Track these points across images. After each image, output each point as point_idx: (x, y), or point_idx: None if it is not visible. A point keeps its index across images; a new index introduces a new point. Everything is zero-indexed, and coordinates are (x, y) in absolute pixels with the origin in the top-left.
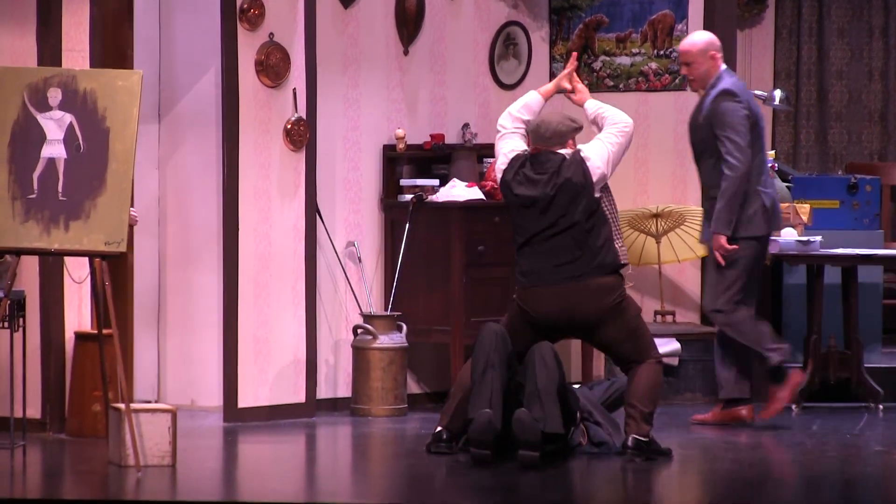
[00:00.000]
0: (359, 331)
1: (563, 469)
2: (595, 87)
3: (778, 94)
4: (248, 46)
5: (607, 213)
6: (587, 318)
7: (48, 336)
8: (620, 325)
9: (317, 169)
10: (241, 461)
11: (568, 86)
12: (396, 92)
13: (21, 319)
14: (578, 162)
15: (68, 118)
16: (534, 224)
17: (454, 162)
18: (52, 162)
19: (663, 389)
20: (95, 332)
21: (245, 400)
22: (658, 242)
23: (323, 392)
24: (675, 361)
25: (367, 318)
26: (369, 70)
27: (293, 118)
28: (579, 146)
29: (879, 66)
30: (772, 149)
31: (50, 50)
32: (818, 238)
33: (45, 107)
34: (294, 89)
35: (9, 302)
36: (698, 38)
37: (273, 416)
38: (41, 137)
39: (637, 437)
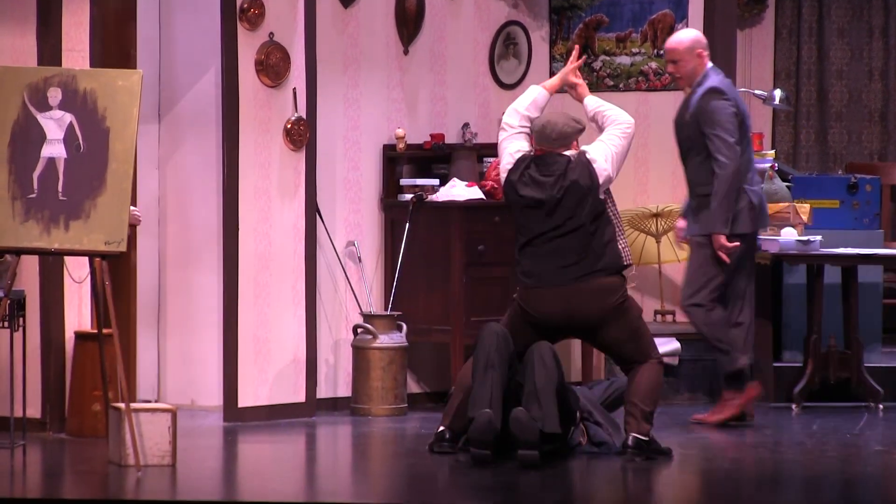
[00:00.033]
0: (359, 330)
1: (562, 469)
2: (595, 87)
3: (778, 93)
4: (248, 46)
5: (611, 214)
6: (589, 318)
7: (48, 336)
8: (622, 325)
9: (317, 169)
10: (241, 461)
11: (575, 80)
12: (396, 91)
13: (21, 319)
14: (584, 164)
15: (68, 118)
16: (538, 225)
17: (454, 161)
18: (52, 162)
19: (663, 389)
20: (95, 331)
21: (245, 399)
22: (658, 242)
23: (323, 392)
24: (675, 361)
25: (367, 317)
26: (369, 70)
27: (293, 118)
28: (583, 147)
29: (879, 66)
30: (772, 148)
31: (50, 50)
32: (818, 238)
33: (45, 106)
34: (294, 89)
35: (9, 301)
36: (685, 35)
37: (273, 415)
38: (41, 137)
39: (637, 436)
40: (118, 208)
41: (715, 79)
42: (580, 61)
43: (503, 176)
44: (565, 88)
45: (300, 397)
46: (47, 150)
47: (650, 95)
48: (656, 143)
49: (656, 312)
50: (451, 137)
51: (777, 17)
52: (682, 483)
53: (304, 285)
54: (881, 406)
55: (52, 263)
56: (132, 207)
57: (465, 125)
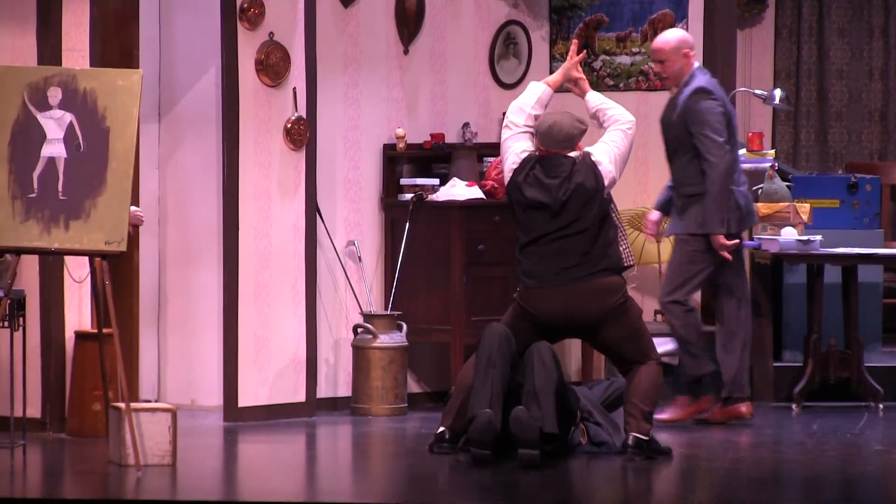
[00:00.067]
0: (359, 330)
1: (563, 469)
2: (595, 87)
3: (778, 93)
4: (249, 46)
5: (613, 215)
6: (589, 318)
7: (48, 335)
8: (623, 325)
9: (317, 168)
10: (241, 460)
11: (577, 74)
12: (396, 91)
13: (21, 319)
14: (590, 166)
15: (68, 117)
16: (542, 226)
17: (454, 161)
18: (52, 161)
19: (663, 389)
20: (96, 331)
21: (245, 399)
22: (658, 242)
23: (323, 391)
24: (675, 361)
25: (368, 317)
26: (369, 69)
27: (293, 117)
28: (587, 149)
29: (879, 66)
30: (772, 148)
31: (50, 49)
32: (818, 237)
33: (45, 106)
34: (294, 88)
35: (9, 301)
36: (671, 35)
37: (273, 415)
38: (41, 137)
39: (638, 435)
40: (118, 208)
41: (702, 79)
42: (581, 56)
43: (508, 176)
44: (566, 85)
45: (300, 397)
46: (47, 150)
47: (650, 95)
48: (656, 143)
49: (656, 312)
50: (452, 137)
51: (777, 17)
52: (682, 483)
53: (305, 285)
54: (881, 406)
55: (52, 263)
56: (135, 208)
57: (466, 125)
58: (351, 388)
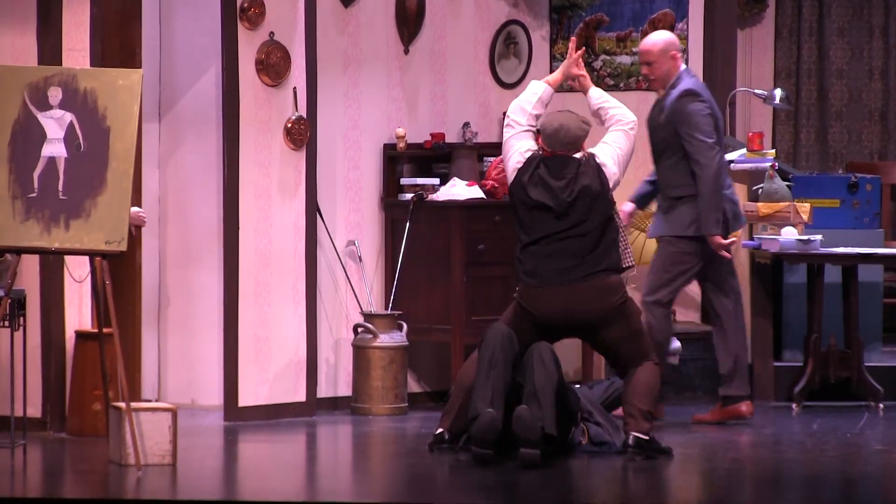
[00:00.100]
0: (359, 329)
1: (563, 468)
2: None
3: (778, 93)
4: (249, 45)
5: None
6: (589, 318)
7: (48, 335)
8: (623, 325)
9: (317, 168)
10: (242, 460)
11: (577, 71)
12: (397, 91)
13: (21, 318)
14: (595, 167)
15: (69, 117)
16: (545, 226)
17: (454, 161)
18: (52, 161)
19: (664, 389)
20: (96, 330)
21: (245, 399)
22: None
23: (323, 391)
24: (675, 360)
25: (368, 316)
26: (370, 69)
27: (293, 117)
28: (591, 150)
29: (879, 66)
30: (772, 148)
31: (50, 49)
32: (818, 237)
33: (45, 106)
34: (294, 88)
35: (9, 301)
36: (658, 37)
37: (273, 415)
38: (41, 136)
39: (638, 435)
40: (118, 207)
41: (689, 81)
42: (580, 52)
43: (511, 175)
44: (568, 82)
45: (300, 397)
46: (48, 150)
47: (650, 95)
48: None
49: None
50: (452, 137)
51: (777, 17)
52: (682, 483)
53: (305, 284)
54: (881, 405)
55: (52, 263)
56: (137, 208)
57: (466, 124)
58: (351, 388)
